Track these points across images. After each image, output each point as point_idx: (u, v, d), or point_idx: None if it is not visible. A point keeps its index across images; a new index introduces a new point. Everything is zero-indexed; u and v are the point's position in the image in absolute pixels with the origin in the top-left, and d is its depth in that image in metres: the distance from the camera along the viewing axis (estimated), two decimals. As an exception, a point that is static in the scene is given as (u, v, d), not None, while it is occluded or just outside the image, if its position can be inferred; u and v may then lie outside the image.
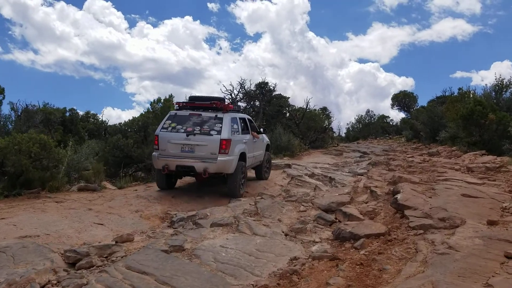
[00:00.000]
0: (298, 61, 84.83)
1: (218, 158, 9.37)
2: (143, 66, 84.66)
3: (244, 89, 25.48)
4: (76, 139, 24.05)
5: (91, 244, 5.95)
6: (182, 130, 9.71)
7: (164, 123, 10.07)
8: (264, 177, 12.79)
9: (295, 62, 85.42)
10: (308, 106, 26.53)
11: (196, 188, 11.31)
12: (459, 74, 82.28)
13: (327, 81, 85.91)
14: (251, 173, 12.93)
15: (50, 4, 77.81)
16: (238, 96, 24.71)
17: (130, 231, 7.48)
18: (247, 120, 11.75)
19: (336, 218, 7.70)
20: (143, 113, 15.89)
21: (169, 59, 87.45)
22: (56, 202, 9.37)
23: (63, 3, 79.30)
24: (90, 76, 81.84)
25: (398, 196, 7.23)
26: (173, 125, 9.91)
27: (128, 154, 13.53)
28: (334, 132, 37.69)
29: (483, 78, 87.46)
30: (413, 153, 20.29)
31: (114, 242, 6.08)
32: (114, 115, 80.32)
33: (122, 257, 5.42)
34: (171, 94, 16.05)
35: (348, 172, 14.61)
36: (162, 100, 15.71)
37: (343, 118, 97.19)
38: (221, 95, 23.02)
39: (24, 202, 9.35)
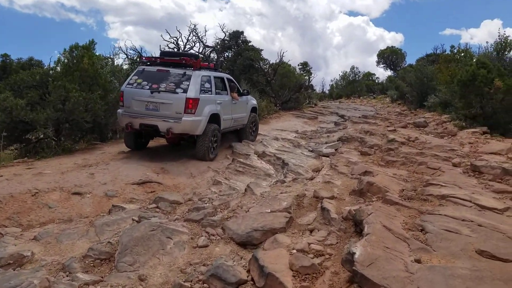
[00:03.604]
0: (286, 11, 79.49)
1: (183, 118, 8.74)
2: (126, 10, 78.11)
3: (199, 38, 21.04)
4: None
5: None
6: (147, 87, 9.06)
7: (131, 79, 9.50)
8: (250, 140, 11.89)
9: (283, 12, 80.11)
10: (281, 60, 22.38)
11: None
12: (448, 31, 78.09)
13: (315, 33, 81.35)
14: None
15: None
16: (187, 45, 20.24)
17: None
18: (226, 79, 10.88)
19: (248, 274, 4.14)
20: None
21: (153, 3, 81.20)
22: None
23: None
24: (71, 19, 75.84)
25: (357, 252, 3.60)
26: (139, 81, 9.28)
27: (18, 118, 9.69)
28: (315, 90, 33.85)
29: (473, 36, 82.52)
30: (396, 121, 16.66)
31: None
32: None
33: None
34: (92, 39, 12.00)
35: (311, 151, 11.00)
36: (79, 47, 11.68)
37: (331, 73, 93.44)
38: (164, 44, 19.43)
39: None
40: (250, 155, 10.19)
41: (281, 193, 6.33)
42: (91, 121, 10.35)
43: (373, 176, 6.79)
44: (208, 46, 21.61)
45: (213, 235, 5.00)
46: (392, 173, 7.17)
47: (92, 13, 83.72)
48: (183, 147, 10.66)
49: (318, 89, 40.41)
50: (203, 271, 4.15)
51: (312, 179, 7.84)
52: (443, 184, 5.83)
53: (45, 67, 11.61)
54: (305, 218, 5.44)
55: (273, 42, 78.90)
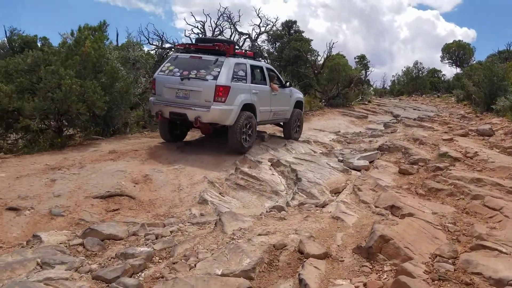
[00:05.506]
0: (352, 3, 75.79)
1: (212, 107, 8.02)
2: (193, 0, 77.15)
3: (232, 23, 18.83)
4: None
5: None
6: (178, 74, 8.46)
7: (164, 66, 8.99)
8: (293, 137, 10.89)
9: (349, 4, 76.50)
10: (330, 51, 19.88)
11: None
12: (525, 29, 70.54)
13: (382, 26, 77.10)
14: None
15: None
16: (216, 31, 18.01)
17: None
18: (264, 68, 9.89)
19: None
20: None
21: (219, -7, 79.68)
22: None
23: None
24: (141, 9, 76.82)
25: None
26: (171, 68, 8.72)
27: (2, 107, 8.34)
28: (372, 86, 30.86)
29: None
30: (457, 126, 13.88)
31: None
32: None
33: None
34: (104, 20, 10.49)
35: (341, 161, 8.81)
36: (85, 30, 10.20)
37: (396, 68, 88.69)
38: (187, 28, 17.53)
39: None
40: (262, 162, 8.22)
41: (259, 234, 4.31)
42: (86, 113, 8.85)
43: (398, 217, 4.60)
44: (242, 33, 19.47)
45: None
46: (431, 212, 4.91)
47: (161, 3, 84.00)
48: (207, 144, 9.45)
49: (378, 84, 37.32)
50: None
51: (323, 207, 5.75)
52: (502, 249, 3.54)
53: (45, 50, 10.17)
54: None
55: (337, 35, 75.35)
